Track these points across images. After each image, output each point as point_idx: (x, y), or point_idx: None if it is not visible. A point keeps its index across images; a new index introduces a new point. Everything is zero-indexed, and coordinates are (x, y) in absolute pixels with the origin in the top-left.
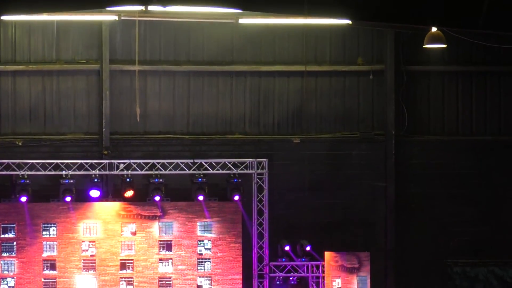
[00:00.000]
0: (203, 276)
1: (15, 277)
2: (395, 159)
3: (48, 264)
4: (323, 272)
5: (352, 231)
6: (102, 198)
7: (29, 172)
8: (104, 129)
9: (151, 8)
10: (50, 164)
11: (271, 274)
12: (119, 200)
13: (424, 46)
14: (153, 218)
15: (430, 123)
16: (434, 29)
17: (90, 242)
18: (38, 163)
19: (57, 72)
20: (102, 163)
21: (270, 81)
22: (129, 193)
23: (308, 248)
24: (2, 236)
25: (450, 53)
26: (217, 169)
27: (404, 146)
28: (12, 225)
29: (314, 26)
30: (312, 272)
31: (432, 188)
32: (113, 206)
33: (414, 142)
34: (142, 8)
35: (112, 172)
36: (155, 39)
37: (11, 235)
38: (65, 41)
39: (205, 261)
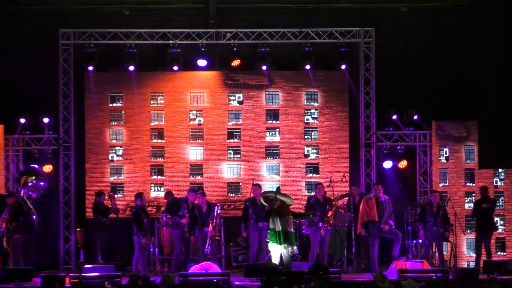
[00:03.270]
0: (310, 145)
1: (123, 146)
2: (504, 26)
3: (156, 133)
4: (431, 141)
5: (460, 100)
6: (209, 67)
7: (136, 41)
8: None
9: None
10: (157, 33)
11: (378, 143)
12: (226, 69)
13: None
14: (260, 87)
15: None
16: None
17: (197, 111)
18: (145, 32)
19: None
20: (208, 32)
21: None
22: (235, 62)
23: (415, 117)
24: (110, 105)
25: None
26: (324, 38)
27: None
28: (120, 94)
29: None
30: (420, 141)
31: None
32: (220, 75)
33: None
34: None
35: (219, 42)
36: None
37: (119, 104)
38: None
39: (312, 130)
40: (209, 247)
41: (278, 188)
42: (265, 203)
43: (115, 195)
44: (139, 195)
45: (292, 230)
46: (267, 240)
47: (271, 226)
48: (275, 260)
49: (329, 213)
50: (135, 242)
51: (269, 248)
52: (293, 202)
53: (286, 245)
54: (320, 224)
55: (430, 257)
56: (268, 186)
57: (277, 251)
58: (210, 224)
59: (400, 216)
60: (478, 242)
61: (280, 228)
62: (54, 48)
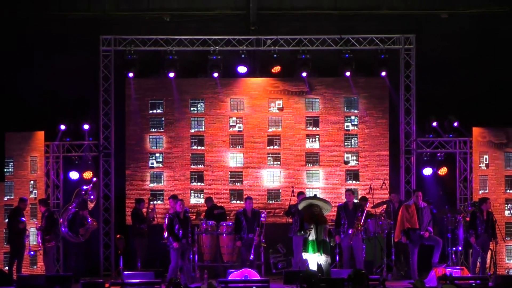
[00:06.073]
0: (349, 152)
1: (163, 153)
2: None
3: (196, 140)
4: (471, 148)
5: (501, 107)
6: (249, 74)
7: (177, 48)
8: (251, 5)
9: None
10: (197, 39)
11: (418, 150)
12: (266, 76)
13: None
14: (300, 93)
15: None
16: None
17: (237, 117)
18: (186, 39)
19: None
20: (249, 38)
21: None
22: (276, 69)
23: (455, 124)
24: (151, 111)
25: None
26: (364, 45)
27: None
28: (160, 101)
29: None
30: (460, 148)
31: None
32: (260, 82)
33: None
34: None
35: (259, 48)
36: None
37: (159, 111)
38: None
39: (352, 137)
40: (253, 254)
41: (315, 195)
42: (301, 210)
43: (153, 202)
44: (176, 199)
45: (326, 238)
46: (301, 250)
47: (305, 235)
48: (313, 267)
49: (359, 219)
50: (169, 247)
51: (305, 257)
52: (331, 208)
53: (320, 253)
54: (350, 231)
55: (474, 264)
56: (308, 193)
57: (313, 259)
58: (256, 231)
59: (440, 223)
60: None
61: (315, 237)
62: (95, 55)
